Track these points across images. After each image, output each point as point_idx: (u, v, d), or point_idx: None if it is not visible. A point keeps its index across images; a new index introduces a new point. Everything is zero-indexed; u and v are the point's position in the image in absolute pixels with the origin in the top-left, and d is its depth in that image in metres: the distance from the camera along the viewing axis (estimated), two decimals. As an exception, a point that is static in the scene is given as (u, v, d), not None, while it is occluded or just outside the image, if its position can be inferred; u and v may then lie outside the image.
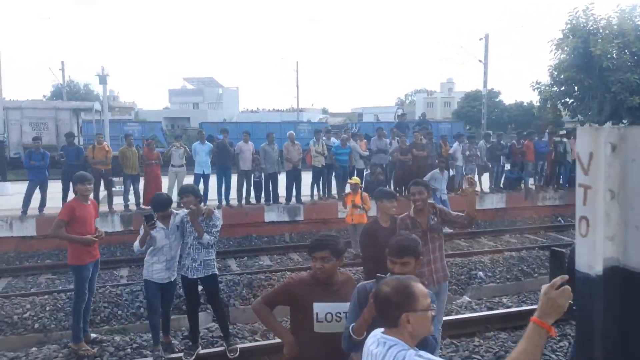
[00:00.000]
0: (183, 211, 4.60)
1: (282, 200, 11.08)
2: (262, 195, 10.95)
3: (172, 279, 4.65)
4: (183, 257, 4.54)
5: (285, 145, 10.86)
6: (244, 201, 10.80)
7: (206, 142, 10.61)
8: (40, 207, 9.62)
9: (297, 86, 73.22)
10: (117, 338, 5.07)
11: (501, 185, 12.50)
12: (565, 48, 16.36)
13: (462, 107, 69.12)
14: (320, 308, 2.49)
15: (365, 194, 9.00)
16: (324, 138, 11.32)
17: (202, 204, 4.98)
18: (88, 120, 24.31)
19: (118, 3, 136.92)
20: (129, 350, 4.80)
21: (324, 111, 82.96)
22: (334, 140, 11.64)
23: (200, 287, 4.72)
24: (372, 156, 11.55)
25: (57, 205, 9.83)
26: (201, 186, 10.50)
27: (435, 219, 4.21)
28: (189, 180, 10.67)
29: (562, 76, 17.24)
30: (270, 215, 10.80)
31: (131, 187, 10.16)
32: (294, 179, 10.88)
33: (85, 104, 24.08)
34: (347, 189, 11.14)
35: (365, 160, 11.50)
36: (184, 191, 4.49)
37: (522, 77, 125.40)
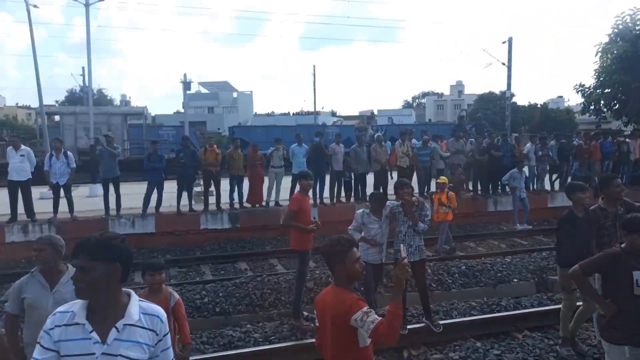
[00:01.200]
0: (391, 202, 5.27)
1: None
2: (352, 194, 11.61)
3: (382, 261, 5.33)
4: (397, 243, 5.21)
5: (374, 147, 11.52)
6: (335, 199, 11.49)
7: (303, 144, 11.26)
8: (157, 206, 10.29)
9: (315, 90, 73.36)
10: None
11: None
12: (614, 52, 17.02)
13: (476, 109, 69.62)
14: (639, 275, 3.13)
15: (452, 193, 9.54)
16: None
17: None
18: (136, 125, 25.07)
19: (128, 8, 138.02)
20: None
21: (333, 114, 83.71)
22: (415, 142, 12.30)
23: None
24: (450, 157, 12.20)
25: (165, 205, 10.54)
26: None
27: (622, 209, 4.84)
28: (287, 180, 11.38)
29: (607, 79, 17.90)
30: (361, 213, 11.44)
31: (236, 187, 10.83)
32: (381, 179, 11.53)
33: (135, 109, 24.85)
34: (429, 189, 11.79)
35: (445, 160, 12.15)
36: (403, 184, 5.16)
37: (533, 78, 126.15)
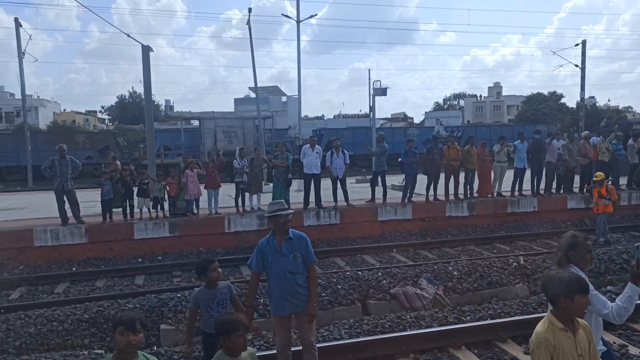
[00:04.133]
0: None
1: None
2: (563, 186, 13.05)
3: None
4: None
5: (582, 143, 12.94)
6: (549, 191, 12.94)
7: (525, 141, 12.72)
8: (410, 196, 11.86)
9: (370, 93, 75.12)
10: None
11: None
12: None
13: (525, 110, 70.12)
14: None
15: (611, 187, 10.20)
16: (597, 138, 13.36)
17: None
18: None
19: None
20: None
21: (366, 115, 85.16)
22: (594, 139, 13.64)
23: None
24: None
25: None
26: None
27: None
28: (509, 173, 12.87)
29: None
30: (571, 203, 12.88)
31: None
32: (588, 173, 12.93)
33: (264, 115, 26.63)
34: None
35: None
36: None
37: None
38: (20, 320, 6.08)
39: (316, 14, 22.51)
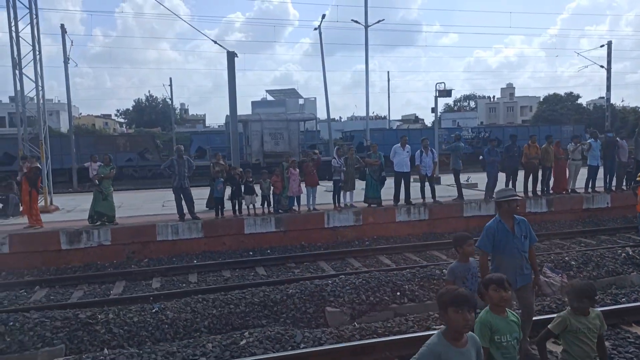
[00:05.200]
0: None
1: None
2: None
3: None
4: None
5: (647, 140, 13.43)
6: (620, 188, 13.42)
7: (598, 140, 13.22)
8: (487, 194, 12.35)
9: (389, 95, 75.79)
10: None
11: None
12: None
13: (542, 110, 70.47)
14: None
15: None
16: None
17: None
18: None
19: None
20: None
21: (379, 117, 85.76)
22: None
23: None
24: None
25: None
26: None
27: None
28: (583, 171, 13.35)
29: None
30: (641, 199, 13.32)
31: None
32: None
33: (308, 116, 27.28)
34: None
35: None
36: None
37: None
38: (200, 303, 6.64)
39: (383, 19, 22.96)
